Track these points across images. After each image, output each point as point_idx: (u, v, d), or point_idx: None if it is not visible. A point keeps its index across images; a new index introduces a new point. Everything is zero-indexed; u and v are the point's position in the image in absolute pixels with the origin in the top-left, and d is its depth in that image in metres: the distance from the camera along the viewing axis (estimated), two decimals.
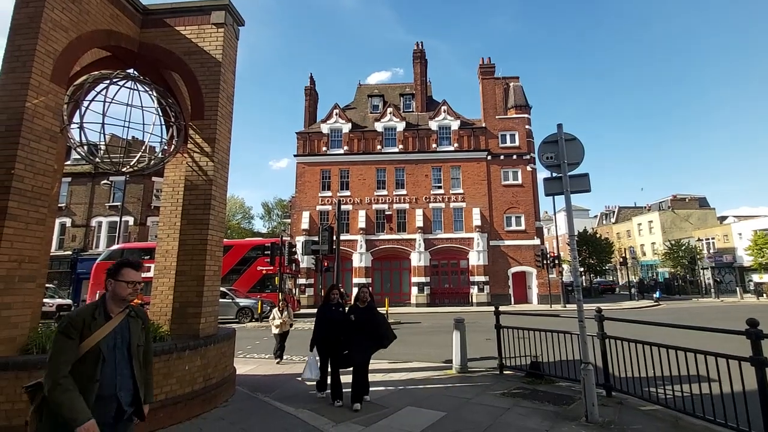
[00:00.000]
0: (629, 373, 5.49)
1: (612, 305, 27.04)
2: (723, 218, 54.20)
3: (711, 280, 40.05)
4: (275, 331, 9.48)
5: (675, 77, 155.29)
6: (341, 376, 5.95)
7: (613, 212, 67.80)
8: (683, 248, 44.25)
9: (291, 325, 9.92)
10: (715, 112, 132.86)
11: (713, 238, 45.16)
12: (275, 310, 9.85)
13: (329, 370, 6.08)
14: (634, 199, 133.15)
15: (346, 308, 6.20)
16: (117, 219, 27.98)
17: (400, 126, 32.78)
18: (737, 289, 35.25)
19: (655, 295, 33.14)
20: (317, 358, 6.02)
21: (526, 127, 32.74)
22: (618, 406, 5.42)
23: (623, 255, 47.57)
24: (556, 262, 29.41)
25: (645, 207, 62.90)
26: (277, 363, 9.13)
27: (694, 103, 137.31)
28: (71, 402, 2.12)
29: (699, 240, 43.95)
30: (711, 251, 43.48)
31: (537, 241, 30.70)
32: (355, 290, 16.57)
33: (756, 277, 37.78)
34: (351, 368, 5.79)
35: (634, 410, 5.29)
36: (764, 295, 33.98)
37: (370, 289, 6.85)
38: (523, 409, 5.47)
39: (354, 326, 5.81)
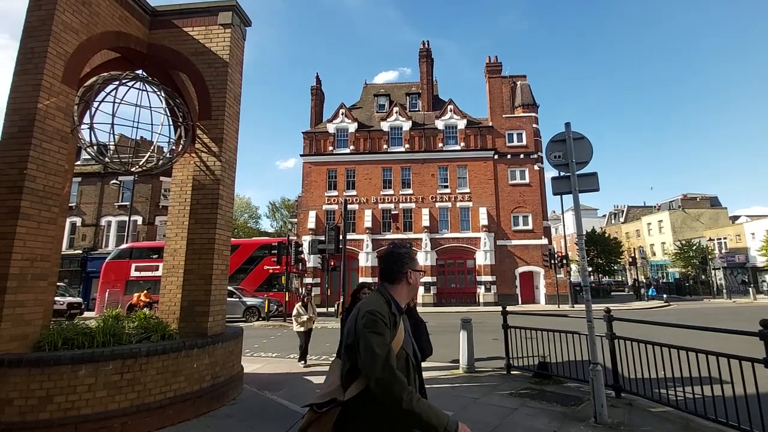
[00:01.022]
0: (639, 374, 5.43)
1: (620, 305, 26.77)
2: (735, 218, 53.38)
3: (740, 279, 39.57)
4: (299, 328, 8.73)
5: (686, 74, 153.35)
6: None
7: (622, 212, 67.11)
8: (694, 248, 43.67)
9: (314, 322, 9.23)
10: (727, 109, 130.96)
11: (725, 238, 44.51)
12: (299, 306, 9.02)
13: None
14: (643, 198, 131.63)
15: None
16: (126, 218, 28.35)
17: (407, 125, 32.74)
18: (750, 289, 34.70)
19: (648, 293, 32.91)
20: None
21: (534, 126, 32.51)
22: (627, 408, 5.36)
23: (632, 255, 47.04)
24: (564, 261, 29.19)
25: (655, 206, 62.15)
26: (304, 366, 8.49)
27: (706, 101, 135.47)
28: (430, 408, 1.68)
29: (710, 240, 43.33)
30: (723, 251, 42.85)
31: (545, 241, 30.48)
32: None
33: None
34: None
35: (643, 412, 5.23)
36: None
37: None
38: (530, 409, 5.43)
39: None
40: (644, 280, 44.13)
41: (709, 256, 42.77)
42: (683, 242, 45.22)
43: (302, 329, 8.70)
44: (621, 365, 5.74)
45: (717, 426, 4.45)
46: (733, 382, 4.23)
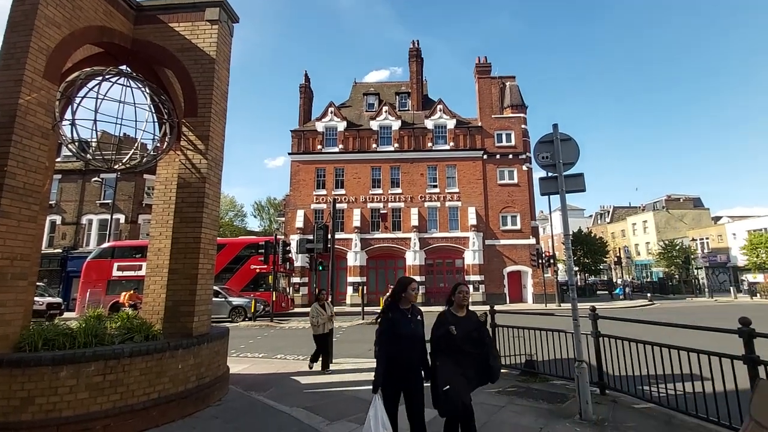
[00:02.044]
0: (623, 371, 5.52)
1: (606, 304, 27.21)
2: (717, 218, 54.66)
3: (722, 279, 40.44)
4: (318, 331, 7.93)
5: (671, 77, 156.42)
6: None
7: (608, 212, 68.19)
8: (677, 248, 44.59)
9: (333, 323, 8.43)
10: (710, 112, 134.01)
11: (707, 238, 45.53)
12: (315, 306, 8.13)
13: (410, 424, 3.68)
14: (628, 198, 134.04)
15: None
16: (108, 217, 27.79)
17: (396, 124, 32.77)
18: (731, 288, 35.58)
19: (616, 292, 33.61)
20: (381, 405, 3.37)
21: (522, 126, 32.83)
22: (612, 404, 5.44)
23: (618, 254, 47.88)
24: (552, 261, 29.55)
25: (639, 207, 63.31)
26: (326, 373, 7.74)
27: (691, 103, 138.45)
28: None
29: (693, 240, 44.27)
30: (705, 251, 43.84)
31: (532, 241, 30.81)
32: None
33: (750, 277, 38.15)
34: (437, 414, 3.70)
35: (627, 408, 5.32)
36: (758, 294, 34.32)
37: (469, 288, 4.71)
38: (517, 406, 5.48)
39: (454, 346, 3.65)
40: (619, 281, 44.89)
41: (692, 256, 43.72)
42: (667, 242, 46.13)
43: (321, 331, 7.93)
44: (606, 363, 5.83)
45: (698, 421, 4.55)
46: (713, 379, 4.33)
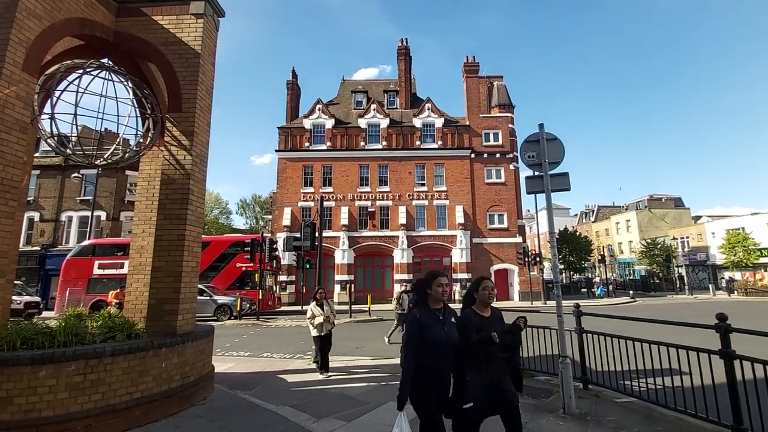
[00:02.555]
0: (605, 366, 5.63)
1: (590, 301, 27.71)
2: (697, 218, 56.02)
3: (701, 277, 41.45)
4: (315, 332, 7.38)
5: (657, 78, 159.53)
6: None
7: (593, 211, 69.30)
8: (659, 247, 45.60)
9: (333, 323, 7.73)
10: (691, 115, 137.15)
11: (688, 237, 46.66)
12: (313, 305, 7.61)
13: None
14: (612, 198, 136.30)
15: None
16: (88, 214, 27.13)
17: (384, 123, 32.74)
18: (710, 286, 36.56)
19: (598, 292, 34.31)
20: (407, 425, 2.94)
21: (509, 126, 33.13)
22: (594, 399, 5.54)
23: (602, 253, 48.69)
24: (538, 259, 29.93)
25: (623, 206, 64.52)
26: (326, 376, 7.22)
27: (672, 105, 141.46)
28: None
29: (674, 239, 45.32)
30: (685, 250, 44.94)
31: (519, 239, 31.15)
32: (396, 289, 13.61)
33: (728, 275, 39.25)
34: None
35: (609, 402, 5.42)
36: (735, 291, 35.35)
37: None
38: None
39: (490, 354, 3.17)
40: (597, 279, 45.73)
41: (673, 255, 44.78)
42: (649, 241, 47.13)
43: (317, 333, 7.38)
44: (589, 358, 5.93)
45: (677, 414, 4.67)
46: (691, 373, 4.45)
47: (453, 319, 3.23)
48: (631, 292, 34.30)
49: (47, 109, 5.41)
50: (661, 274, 45.58)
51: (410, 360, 3.02)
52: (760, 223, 37.93)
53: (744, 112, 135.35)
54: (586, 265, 50.19)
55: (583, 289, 39.94)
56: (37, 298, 20.40)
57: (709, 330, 4.27)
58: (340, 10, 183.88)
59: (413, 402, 3.04)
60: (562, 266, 42.86)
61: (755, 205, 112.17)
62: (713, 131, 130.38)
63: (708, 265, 43.84)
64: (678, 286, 40.94)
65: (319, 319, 7.40)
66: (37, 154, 26.90)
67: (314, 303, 7.64)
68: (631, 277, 50.97)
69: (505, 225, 31.42)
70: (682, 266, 44.46)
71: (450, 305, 3.35)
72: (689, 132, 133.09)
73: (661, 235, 49.18)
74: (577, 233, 49.79)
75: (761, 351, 4.07)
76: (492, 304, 3.51)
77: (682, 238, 46.58)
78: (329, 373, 7.32)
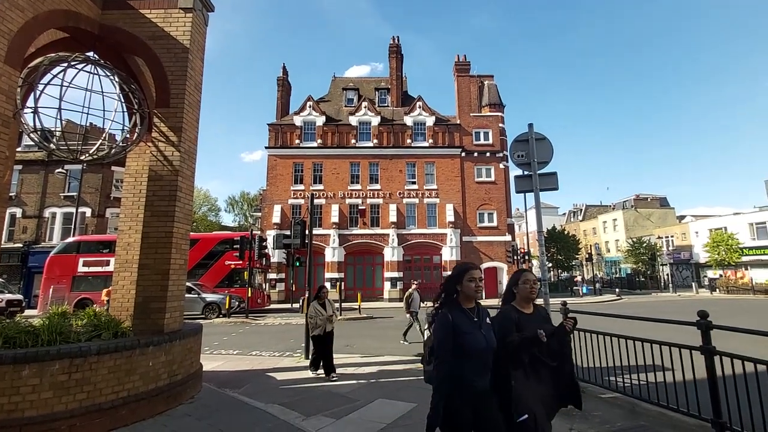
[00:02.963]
0: (591, 363, 5.72)
1: (577, 299, 28.11)
2: (681, 217, 57.07)
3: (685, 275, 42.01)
4: (316, 332, 7.12)
5: (647, 78, 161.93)
6: None
7: (581, 210, 70.21)
8: (644, 245, 46.39)
9: (332, 323, 7.44)
10: (679, 115, 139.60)
11: (672, 236, 47.53)
12: (315, 304, 7.32)
13: None
14: (600, 197, 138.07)
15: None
16: (73, 210, 26.57)
17: (375, 120, 32.70)
18: (693, 284, 37.34)
19: (583, 291, 34.89)
20: None
21: (500, 125, 33.36)
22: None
23: (589, 251, 49.42)
24: (526, 257, 30.25)
25: (610, 206, 65.48)
26: (332, 380, 6.87)
27: (660, 106, 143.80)
28: None
29: (659, 238, 46.15)
30: (670, 248, 45.78)
31: (508, 238, 31.43)
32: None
33: (711, 273, 40.13)
34: None
35: (595, 398, 5.51)
36: (717, 289, 36.17)
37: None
38: None
39: (535, 357, 2.72)
40: (579, 279, 46.45)
41: (658, 253, 45.61)
42: (635, 240, 47.93)
43: (318, 332, 7.12)
44: (575, 354, 6.01)
45: (660, 409, 4.77)
46: (674, 369, 4.54)
47: (488, 320, 2.69)
48: (617, 290, 34.89)
49: (30, 102, 5.29)
50: (645, 273, 46.42)
51: (445, 373, 2.42)
52: (742, 222, 38.79)
53: (728, 114, 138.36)
54: (573, 263, 50.87)
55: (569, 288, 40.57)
56: (19, 296, 19.92)
57: (692, 327, 4.37)
58: (331, 6, 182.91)
59: (444, 428, 2.41)
60: (550, 264, 43.35)
61: (738, 205, 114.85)
62: (700, 132, 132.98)
63: (691, 263, 44.72)
64: (663, 284, 41.72)
65: (321, 320, 7.10)
66: (19, 149, 26.28)
67: (316, 302, 7.39)
68: (618, 275, 51.81)
69: (495, 223, 31.66)
70: (666, 265, 45.30)
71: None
72: (677, 132, 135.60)
73: (647, 234, 50.07)
74: (565, 232, 50.42)
75: (740, 347, 4.18)
76: (536, 301, 3.05)
77: (667, 237, 47.47)
78: (333, 374, 6.96)
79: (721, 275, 38.42)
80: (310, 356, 7.61)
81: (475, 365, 2.47)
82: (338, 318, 7.68)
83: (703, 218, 48.09)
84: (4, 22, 4.55)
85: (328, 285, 29.55)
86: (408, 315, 11.28)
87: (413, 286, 11.80)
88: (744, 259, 37.21)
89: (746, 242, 37.64)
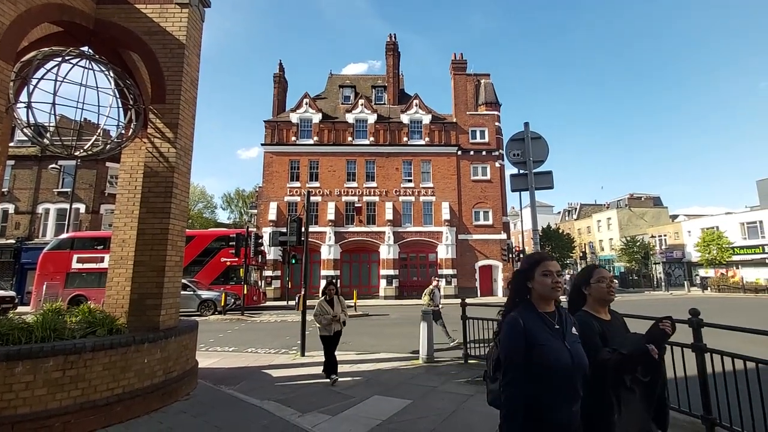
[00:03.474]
0: None
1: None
2: (674, 217, 57.55)
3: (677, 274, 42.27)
4: (323, 332, 6.68)
5: (645, 77, 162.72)
6: None
7: (575, 209, 70.56)
8: (638, 244, 46.76)
9: (344, 323, 6.93)
10: (670, 116, 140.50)
11: (665, 235, 47.92)
12: (321, 302, 6.80)
13: None
14: (595, 196, 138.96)
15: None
16: (66, 206, 26.37)
17: (372, 118, 32.66)
18: (685, 282, 37.69)
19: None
20: None
21: (496, 124, 33.42)
22: None
23: (583, 250, 49.71)
24: (521, 256, 30.38)
25: (604, 205, 65.87)
26: (333, 384, 6.37)
27: (656, 105, 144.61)
28: None
29: (652, 237, 46.48)
30: (663, 247, 46.16)
31: (503, 236, 31.56)
32: (437, 282, 11.84)
33: (702, 272, 40.54)
34: None
35: None
36: (708, 288, 36.54)
37: None
38: (485, 396, 5.63)
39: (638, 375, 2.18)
40: (567, 278, 46.73)
41: (651, 252, 45.97)
42: (628, 238, 48.28)
43: (326, 333, 6.66)
44: None
45: None
46: (665, 366, 4.59)
47: (574, 330, 2.02)
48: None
49: (23, 97, 5.25)
50: (638, 271, 46.79)
51: (516, 397, 1.83)
52: (734, 222, 39.18)
53: (723, 115, 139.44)
54: (568, 262, 51.21)
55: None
56: (12, 293, 19.75)
57: (683, 324, 4.42)
58: (329, 4, 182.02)
59: None
60: None
61: (730, 204, 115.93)
62: (695, 132, 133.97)
63: (684, 262, 45.14)
64: (655, 282, 42.07)
65: (326, 319, 6.64)
66: (12, 144, 26.00)
67: (323, 299, 6.88)
68: (612, 274, 52.09)
69: (491, 222, 31.77)
70: (659, 263, 45.67)
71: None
72: (672, 132, 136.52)
73: (640, 233, 50.42)
74: (560, 230, 50.76)
75: (730, 344, 4.24)
76: (612, 304, 2.46)
77: (660, 236, 47.84)
78: (337, 378, 6.51)
79: (697, 275, 38.77)
80: (306, 354, 7.52)
81: (558, 388, 1.83)
82: (347, 317, 6.96)
83: (695, 218, 48.51)
84: None
85: (324, 282, 29.57)
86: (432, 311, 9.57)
87: (434, 283, 11.51)
88: (735, 258, 37.62)
89: (737, 242, 38.04)
